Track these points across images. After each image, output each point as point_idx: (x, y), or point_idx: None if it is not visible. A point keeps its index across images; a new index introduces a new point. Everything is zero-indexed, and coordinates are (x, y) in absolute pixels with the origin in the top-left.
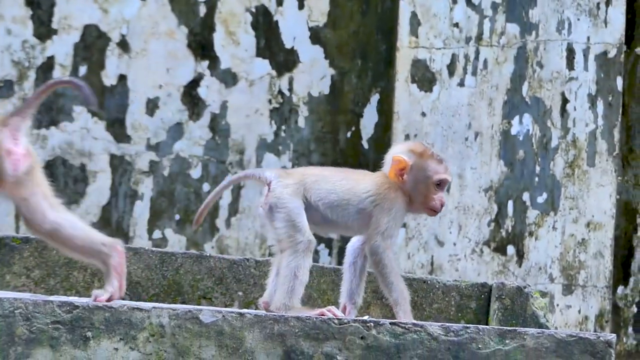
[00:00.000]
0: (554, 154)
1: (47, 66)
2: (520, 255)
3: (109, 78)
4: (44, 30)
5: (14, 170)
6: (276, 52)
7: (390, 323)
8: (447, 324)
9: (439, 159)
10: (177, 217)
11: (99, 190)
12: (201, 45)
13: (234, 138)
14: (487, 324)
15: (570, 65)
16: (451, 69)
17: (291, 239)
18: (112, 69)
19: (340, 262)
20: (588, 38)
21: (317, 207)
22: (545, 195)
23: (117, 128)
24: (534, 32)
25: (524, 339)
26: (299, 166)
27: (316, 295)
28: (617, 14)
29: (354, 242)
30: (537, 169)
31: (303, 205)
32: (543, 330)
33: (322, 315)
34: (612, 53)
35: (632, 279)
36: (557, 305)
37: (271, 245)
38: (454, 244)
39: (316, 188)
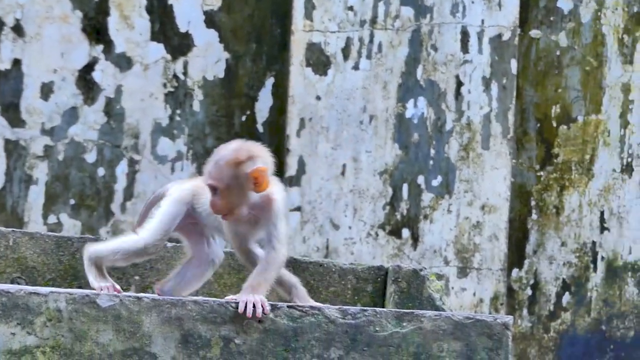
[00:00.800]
0: (449, 137)
1: None
2: (415, 238)
3: (3, 62)
4: None
5: None
6: (171, 36)
7: (287, 306)
8: (345, 307)
9: None
10: (72, 201)
11: None
12: (96, 29)
13: (129, 122)
14: (383, 307)
15: (464, 48)
16: (346, 52)
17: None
18: (6, 53)
19: None
20: (482, 21)
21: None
22: (440, 178)
23: (12, 113)
24: (428, 15)
25: (421, 321)
26: (193, 150)
27: (212, 279)
28: None
29: None
30: (432, 152)
31: (183, 211)
32: (440, 312)
33: None
34: (506, 36)
35: (526, 262)
36: (452, 288)
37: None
38: (349, 228)
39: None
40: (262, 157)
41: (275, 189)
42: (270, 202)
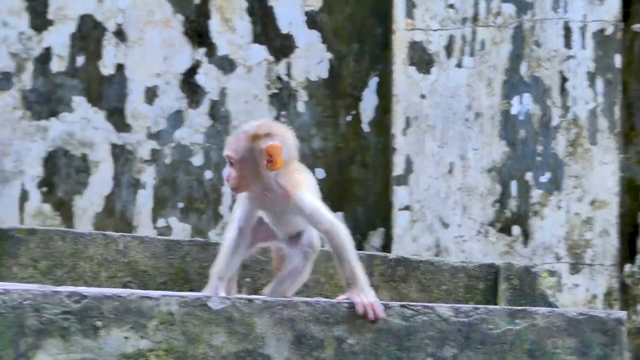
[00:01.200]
0: (555, 133)
1: (45, 57)
2: (526, 235)
3: (106, 67)
4: (40, 21)
5: None
6: (272, 38)
7: (400, 305)
8: (457, 305)
9: None
10: (181, 205)
11: (101, 180)
12: (197, 32)
13: (235, 124)
14: (496, 305)
15: (567, 43)
16: (449, 50)
17: None
18: (109, 58)
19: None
20: (584, 16)
21: None
22: (548, 174)
23: (117, 117)
24: (529, 12)
25: (535, 318)
26: (300, 152)
27: (324, 280)
28: None
29: None
30: (539, 148)
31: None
32: (553, 309)
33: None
34: (609, 30)
35: (638, 257)
36: (565, 284)
37: None
38: (459, 226)
39: None
40: (281, 136)
41: (299, 180)
42: (289, 197)
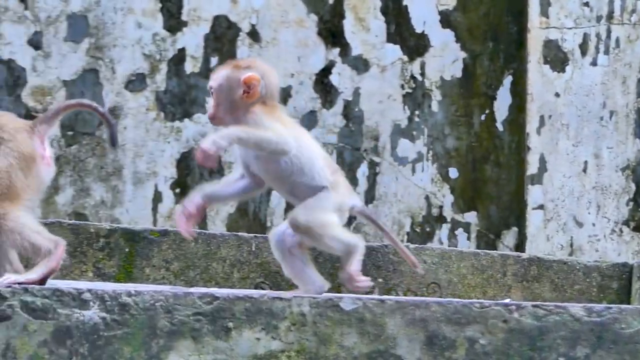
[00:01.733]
0: None
1: (179, 58)
2: None
3: None
4: (174, 22)
5: (48, 174)
6: (407, 37)
7: (532, 305)
8: (590, 305)
9: None
10: None
11: None
12: (331, 32)
13: (368, 124)
14: (629, 304)
15: None
16: (583, 48)
17: None
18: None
19: (479, 246)
20: None
21: None
22: None
23: None
24: None
25: None
26: (433, 151)
27: (456, 280)
28: None
29: None
30: None
31: None
32: None
33: None
34: None
35: None
36: None
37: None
38: (593, 225)
39: None
40: (261, 70)
41: (277, 118)
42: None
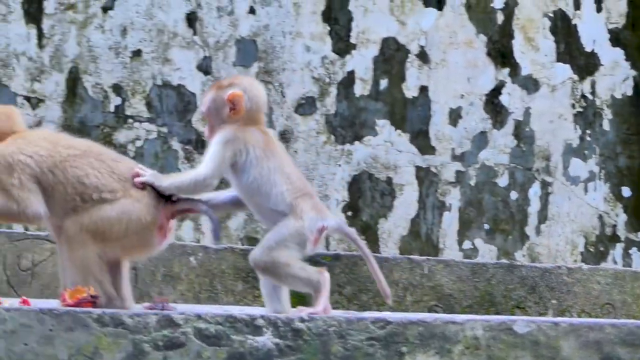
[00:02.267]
0: None
1: (348, 81)
2: None
3: (409, 90)
4: (342, 45)
5: (160, 245)
6: (576, 56)
7: None
8: None
9: None
10: (486, 226)
11: (406, 202)
12: (500, 52)
13: (539, 144)
14: None
15: None
16: None
17: None
18: (412, 80)
19: None
20: None
21: None
22: None
23: (421, 140)
24: None
25: None
26: (606, 170)
27: (631, 300)
28: None
29: None
30: None
31: None
32: None
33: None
34: None
35: None
36: None
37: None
38: None
39: None
40: (243, 85)
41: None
42: None
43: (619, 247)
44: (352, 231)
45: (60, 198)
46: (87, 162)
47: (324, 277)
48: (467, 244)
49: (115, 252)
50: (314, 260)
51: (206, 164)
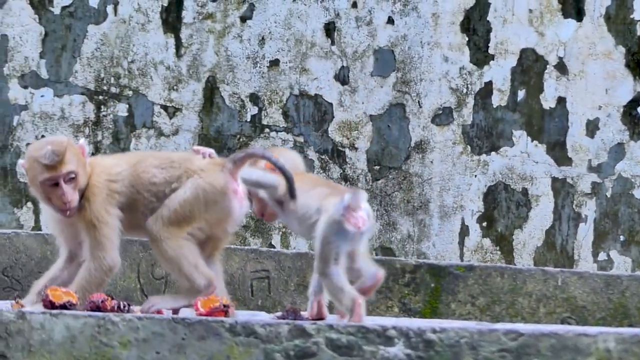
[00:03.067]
0: None
1: (485, 92)
2: None
3: (547, 101)
4: (480, 55)
5: (240, 209)
6: None
7: None
8: None
9: None
10: (622, 238)
11: (541, 214)
12: (639, 64)
13: None
14: None
15: None
16: None
17: None
18: (550, 92)
19: None
20: None
21: None
22: None
23: (558, 151)
24: None
25: None
26: None
27: None
28: None
29: None
30: None
31: None
32: None
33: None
34: None
35: None
36: None
37: None
38: None
39: None
40: None
41: None
42: None
43: None
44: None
45: (142, 206)
46: (150, 163)
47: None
48: (602, 256)
49: (203, 231)
50: (448, 271)
51: None
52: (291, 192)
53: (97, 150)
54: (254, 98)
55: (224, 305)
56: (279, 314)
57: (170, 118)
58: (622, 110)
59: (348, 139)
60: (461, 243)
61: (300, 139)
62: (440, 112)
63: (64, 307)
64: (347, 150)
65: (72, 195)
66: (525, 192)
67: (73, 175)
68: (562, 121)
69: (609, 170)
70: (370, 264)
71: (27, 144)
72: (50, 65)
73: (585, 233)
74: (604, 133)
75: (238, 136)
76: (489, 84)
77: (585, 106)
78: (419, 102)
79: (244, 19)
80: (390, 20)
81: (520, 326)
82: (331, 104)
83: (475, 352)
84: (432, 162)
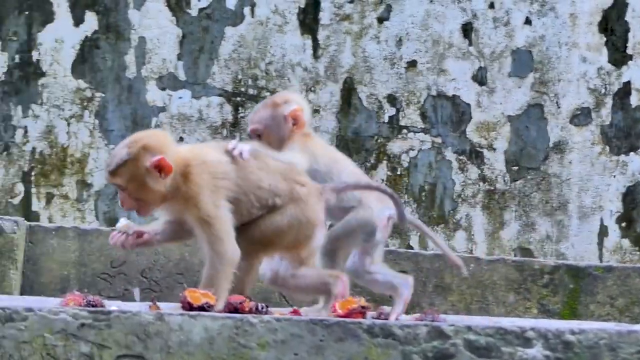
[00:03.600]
0: None
1: (624, 92)
2: None
3: None
4: (619, 56)
5: (321, 240)
6: None
7: None
8: None
9: None
10: None
11: None
12: None
13: None
14: None
15: None
16: None
17: None
18: None
19: None
20: None
21: None
22: None
23: None
24: None
25: None
26: None
27: None
28: None
29: None
30: None
31: None
32: None
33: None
34: None
35: None
36: None
37: None
38: None
39: None
40: (299, 102)
41: None
42: None
43: None
44: (413, 218)
45: (244, 209)
46: (257, 165)
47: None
48: None
49: (276, 253)
50: (587, 272)
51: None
52: (401, 215)
53: None
54: (392, 99)
55: (362, 307)
56: (417, 315)
57: None
58: None
59: (486, 139)
60: (600, 244)
61: (438, 140)
62: (579, 112)
63: (202, 308)
64: (485, 151)
65: (127, 204)
66: None
67: (121, 188)
68: None
69: None
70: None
71: None
72: (187, 67)
73: None
74: None
75: (375, 137)
76: (627, 84)
77: None
78: (557, 102)
79: (381, 20)
80: (528, 21)
81: None
82: (469, 105)
83: (614, 354)
84: (570, 162)
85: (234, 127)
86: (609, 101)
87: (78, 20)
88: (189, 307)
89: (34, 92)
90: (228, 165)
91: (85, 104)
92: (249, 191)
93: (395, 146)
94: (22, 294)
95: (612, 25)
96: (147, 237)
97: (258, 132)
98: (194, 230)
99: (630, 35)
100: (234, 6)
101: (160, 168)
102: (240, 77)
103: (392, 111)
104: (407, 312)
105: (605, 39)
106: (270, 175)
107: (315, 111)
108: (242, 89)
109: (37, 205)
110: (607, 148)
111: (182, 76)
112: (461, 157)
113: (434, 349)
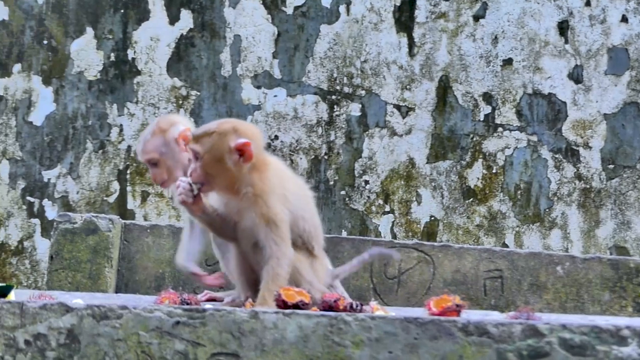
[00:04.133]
0: None
1: None
2: None
3: None
4: None
5: None
6: None
7: None
8: None
9: None
10: None
11: None
12: None
13: None
14: None
15: None
16: None
17: None
18: None
19: None
20: None
21: None
22: None
23: None
24: None
25: None
26: None
27: None
28: None
29: None
30: None
31: None
32: None
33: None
34: None
35: None
36: None
37: None
38: None
39: None
40: (183, 122)
41: None
42: None
43: None
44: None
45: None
46: (305, 202)
47: None
48: None
49: None
50: None
51: None
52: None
53: (330, 150)
54: (487, 97)
55: (457, 305)
56: (512, 314)
57: (403, 117)
58: None
59: (582, 137)
60: None
61: (534, 138)
62: None
63: (296, 306)
64: (581, 149)
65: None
66: None
67: (197, 157)
68: None
69: None
70: None
71: None
72: (283, 65)
73: None
74: None
75: (471, 135)
76: None
77: None
78: None
79: (477, 17)
80: (624, 19)
81: None
82: (565, 103)
83: None
84: None
85: (329, 125)
86: None
87: (173, 19)
88: (283, 305)
89: (129, 90)
90: (295, 187)
91: (180, 102)
92: (295, 219)
93: (490, 144)
94: (117, 292)
95: None
96: (207, 202)
97: (154, 161)
98: (253, 229)
99: None
100: (329, 4)
101: (243, 152)
102: (335, 75)
103: (488, 109)
104: (502, 311)
105: None
106: (313, 217)
107: (411, 109)
108: (338, 87)
109: (132, 203)
110: None
111: (277, 74)
112: (557, 156)
113: (529, 347)
